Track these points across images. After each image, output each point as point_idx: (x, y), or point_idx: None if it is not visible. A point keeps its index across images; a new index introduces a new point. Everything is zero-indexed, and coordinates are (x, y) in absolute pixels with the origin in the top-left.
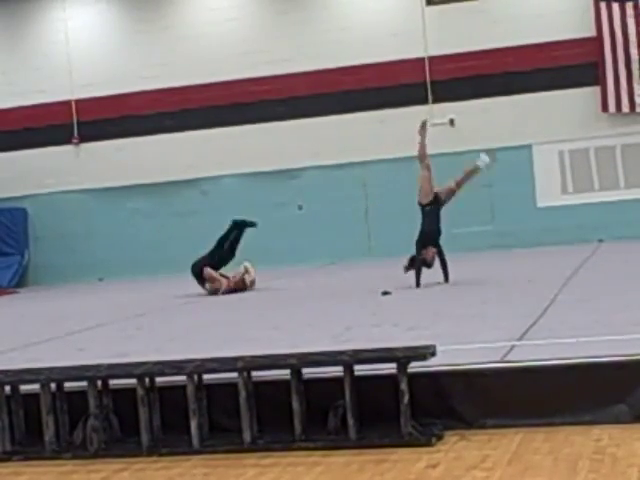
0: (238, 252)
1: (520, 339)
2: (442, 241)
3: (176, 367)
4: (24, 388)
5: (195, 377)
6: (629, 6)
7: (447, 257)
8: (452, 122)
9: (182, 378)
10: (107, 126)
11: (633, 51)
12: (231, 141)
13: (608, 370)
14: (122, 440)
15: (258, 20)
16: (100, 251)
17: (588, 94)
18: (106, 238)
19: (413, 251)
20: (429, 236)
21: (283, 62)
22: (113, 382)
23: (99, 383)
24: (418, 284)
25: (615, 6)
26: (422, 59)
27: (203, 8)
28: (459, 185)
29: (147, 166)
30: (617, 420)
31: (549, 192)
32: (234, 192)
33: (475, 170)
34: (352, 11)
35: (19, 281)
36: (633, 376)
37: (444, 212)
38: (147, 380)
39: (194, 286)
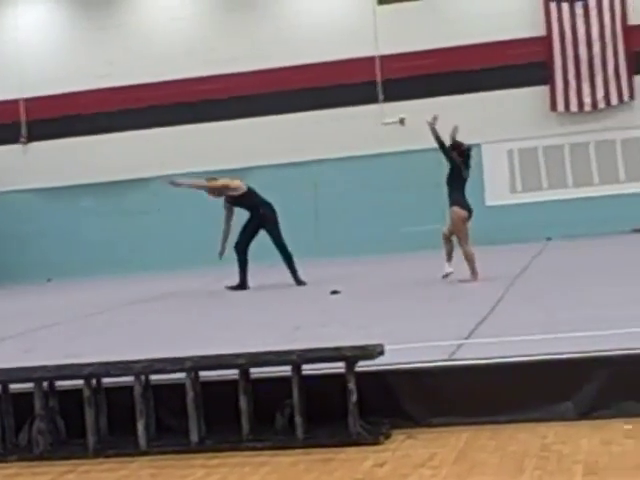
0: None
1: (468, 337)
2: (393, 240)
3: (123, 368)
4: None
5: (142, 378)
6: (578, 6)
7: (398, 256)
8: (402, 121)
9: (129, 379)
10: (56, 125)
11: (582, 51)
12: (181, 140)
13: (554, 368)
14: (68, 442)
15: (208, 18)
16: (50, 251)
17: (537, 93)
18: (56, 238)
19: (362, 251)
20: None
21: (234, 61)
22: (59, 383)
23: (45, 384)
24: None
25: (565, 6)
26: (373, 58)
27: (153, 6)
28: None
29: (97, 165)
30: (563, 417)
31: (498, 191)
32: (184, 191)
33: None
34: (303, 9)
35: None
36: (579, 374)
37: (395, 210)
38: (94, 381)
39: (144, 286)
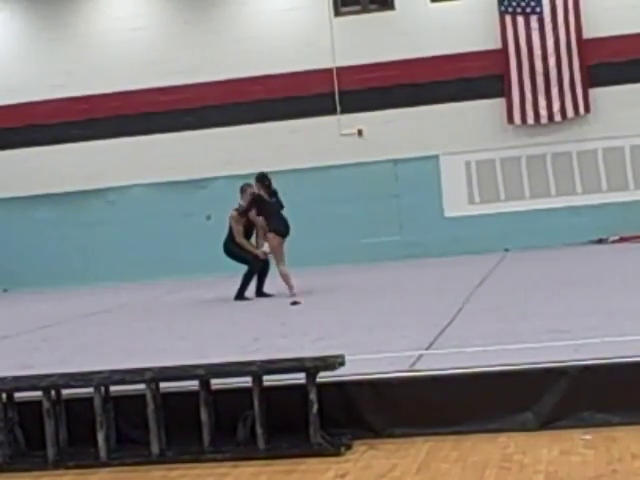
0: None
1: (428, 348)
2: (351, 251)
3: (83, 379)
4: None
5: (102, 389)
6: (533, 19)
7: (356, 267)
8: (360, 132)
9: (89, 390)
10: (12, 135)
11: (538, 64)
12: (138, 151)
13: (514, 378)
14: (28, 453)
15: (165, 29)
16: (5, 262)
17: (494, 106)
18: (11, 248)
19: (319, 261)
20: None
21: (191, 71)
22: (18, 395)
23: (4, 396)
24: None
25: (520, 19)
26: (330, 69)
27: (109, 17)
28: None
29: (53, 176)
30: (523, 428)
31: (456, 202)
32: (141, 202)
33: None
34: (260, 21)
35: None
36: (538, 384)
37: (353, 221)
38: (53, 392)
39: (100, 297)
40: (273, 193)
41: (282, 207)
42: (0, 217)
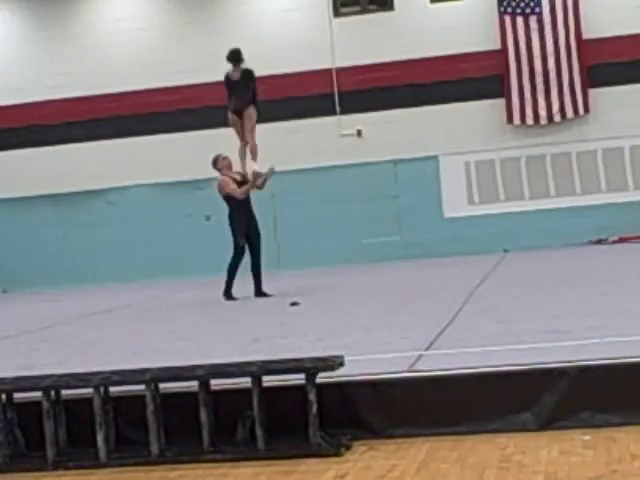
0: None
1: (427, 349)
2: (351, 252)
3: (82, 379)
4: None
5: (102, 389)
6: (533, 20)
7: (356, 267)
8: (360, 133)
9: (89, 391)
10: (12, 136)
11: (537, 64)
12: (138, 151)
13: (513, 379)
14: (27, 454)
15: (165, 30)
16: (5, 262)
17: (494, 106)
18: (11, 249)
19: (321, 263)
20: None
21: (191, 71)
22: (17, 395)
23: (3, 396)
24: None
25: (519, 20)
26: (330, 70)
27: (110, 17)
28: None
29: (53, 176)
30: (523, 428)
31: (456, 203)
32: (141, 202)
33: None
34: (260, 22)
35: None
36: (538, 385)
37: (353, 222)
38: (52, 393)
39: (99, 298)
40: (246, 73)
41: (248, 88)
42: (0, 217)
